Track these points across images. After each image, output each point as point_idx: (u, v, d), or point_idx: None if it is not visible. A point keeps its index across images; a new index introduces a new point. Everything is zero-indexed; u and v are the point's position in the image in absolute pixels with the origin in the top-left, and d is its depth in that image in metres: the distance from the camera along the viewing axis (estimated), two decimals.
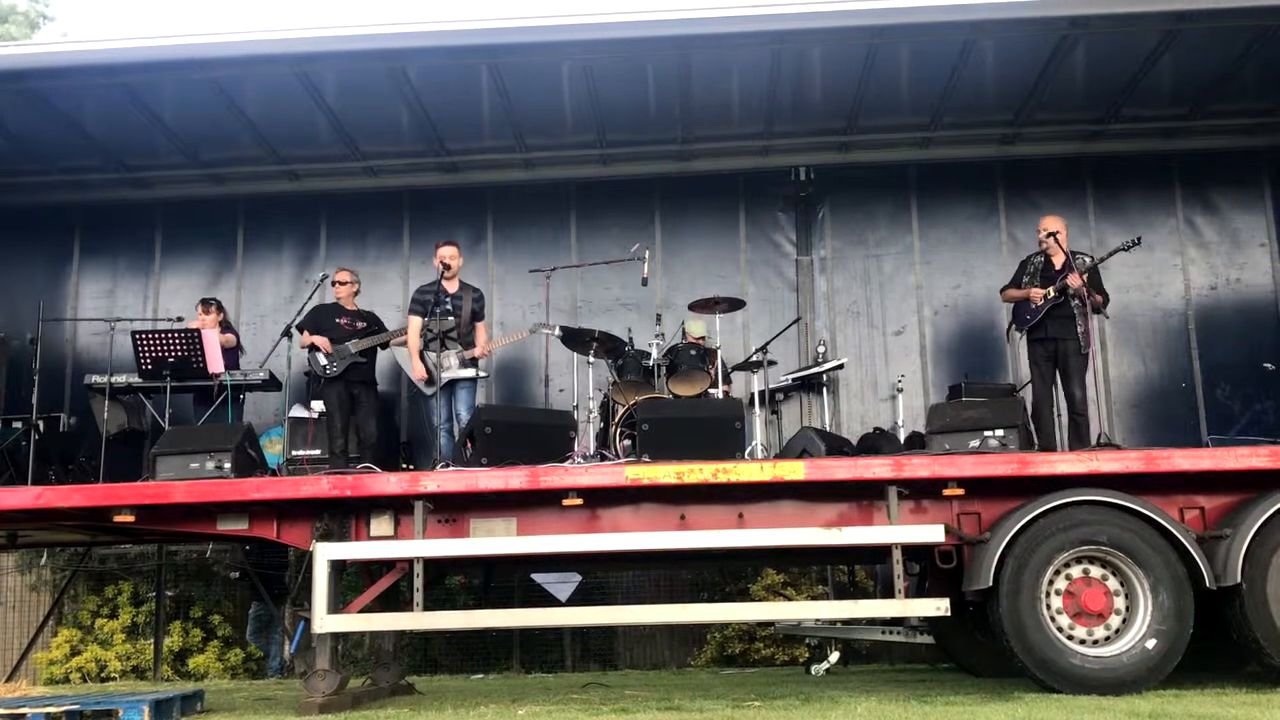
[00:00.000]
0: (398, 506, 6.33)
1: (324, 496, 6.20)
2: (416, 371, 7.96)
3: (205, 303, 9.00)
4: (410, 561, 6.14)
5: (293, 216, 10.32)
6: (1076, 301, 7.51)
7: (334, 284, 8.66)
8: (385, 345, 8.54)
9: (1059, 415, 7.77)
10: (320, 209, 10.29)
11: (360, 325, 8.47)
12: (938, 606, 5.98)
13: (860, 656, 9.28)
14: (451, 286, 8.23)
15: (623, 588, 9.84)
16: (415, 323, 8.09)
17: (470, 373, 8.05)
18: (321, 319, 8.44)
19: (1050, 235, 7.68)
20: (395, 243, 10.24)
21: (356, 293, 8.74)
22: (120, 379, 8.23)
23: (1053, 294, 7.56)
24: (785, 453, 8.10)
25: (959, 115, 9.17)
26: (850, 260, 10.00)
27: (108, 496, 6.34)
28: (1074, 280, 7.48)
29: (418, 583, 6.06)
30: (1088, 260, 7.77)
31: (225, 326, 8.93)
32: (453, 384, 8.10)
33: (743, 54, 8.13)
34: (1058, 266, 7.68)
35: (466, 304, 8.19)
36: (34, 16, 20.74)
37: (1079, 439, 7.55)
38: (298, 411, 8.71)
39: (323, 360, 8.25)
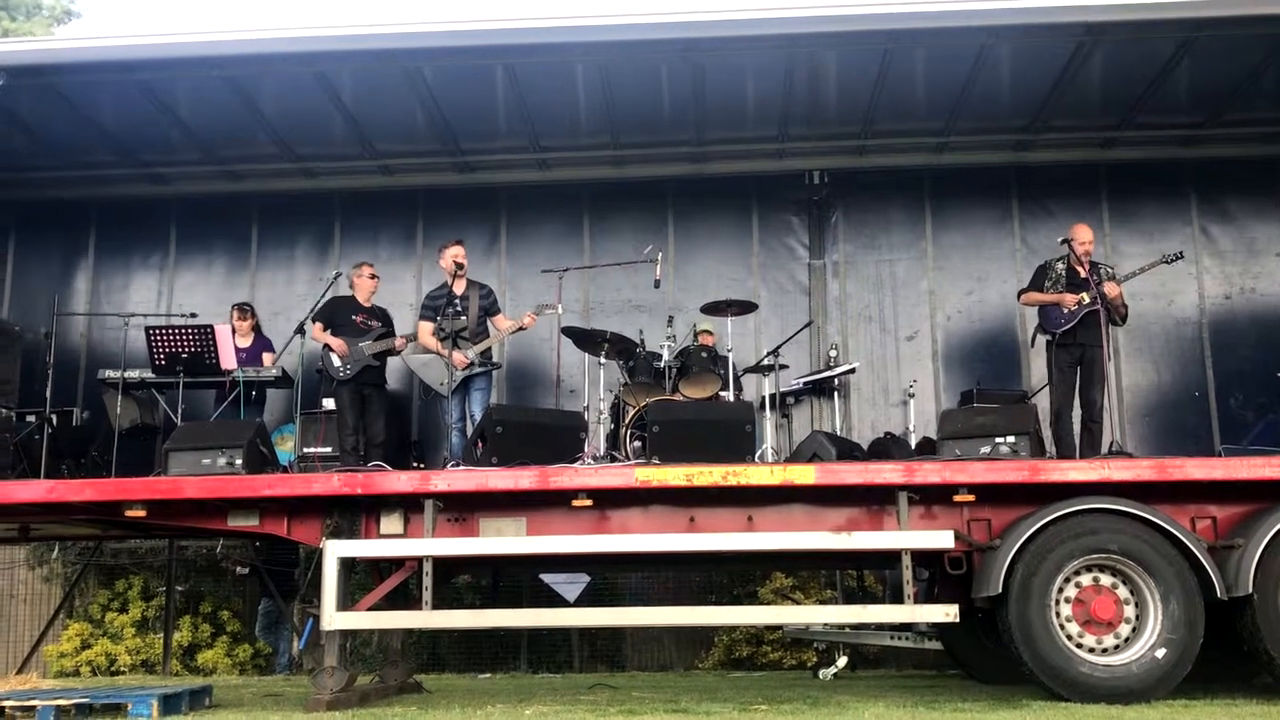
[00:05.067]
0: (408, 505, 6.34)
1: (335, 494, 6.21)
2: (458, 360, 7.83)
3: (240, 308, 9.08)
4: (420, 560, 6.14)
5: (307, 214, 10.35)
6: (1104, 310, 7.54)
7: (355, 278, 8.65)
8: (395, 352, 8.50)
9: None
10: (335, 207, 10.32)
11: (374, 323, 8.48)
12: (946, 613, 5.94)
13: (868, 661, 9.26)
14: (459, 288, 8.23)
15: (631, 589, 9.84)
16: (426, 327, 8.12)
17: (489, 345, 8.12)
18: (337, 312, 8.43)
19: (1064, 241, 7.73)
20: (409, 242, 10.26)
21: (374, 290, 8.78)
22: (133, 374, 8.28)
23: (1086, 300, 7.59)
24: (796, 456, 8.08)
25: (974, 121, 9.16)
26: (863, 265, 9.97)
27: (119, 491, 6.36)
28: (1111, 289, 7.56)
29: (427, 581, 6.06)
30: (1111, 271, 7.83)
31: (258, 332, 9.00)
32: (468, 384, 8.10)
33: (757, 57, 8.13)
34: (1082, 274, 7.70)
35: (474, 303, 8.20)
36: (59, 13, 20.81)
37: (1092, 446, 7.55)
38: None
39: (337, 362, 8.25)
